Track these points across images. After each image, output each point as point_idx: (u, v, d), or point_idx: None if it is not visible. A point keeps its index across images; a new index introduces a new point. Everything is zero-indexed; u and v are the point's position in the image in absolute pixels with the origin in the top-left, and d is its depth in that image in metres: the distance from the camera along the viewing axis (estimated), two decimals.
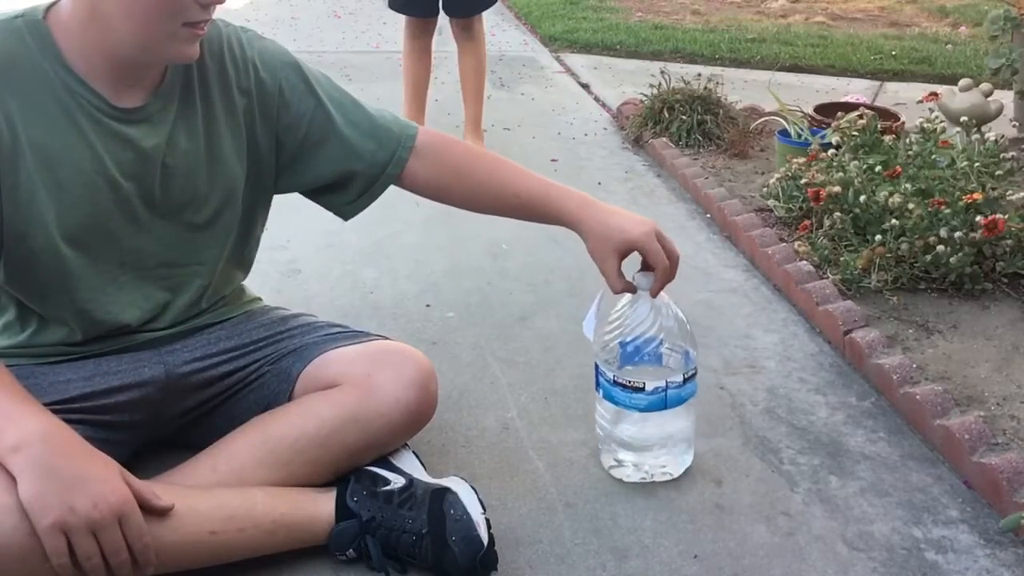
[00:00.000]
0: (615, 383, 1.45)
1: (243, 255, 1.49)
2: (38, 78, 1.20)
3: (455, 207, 1.51)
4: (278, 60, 1.40)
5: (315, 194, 1.48)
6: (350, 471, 1.36)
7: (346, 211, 1.49)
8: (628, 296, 1.44)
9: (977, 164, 2.23)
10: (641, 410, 1.45)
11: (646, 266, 1.41)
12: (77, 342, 1.34)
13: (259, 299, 1.58)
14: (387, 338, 1.50)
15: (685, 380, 1.45)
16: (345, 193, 1.46)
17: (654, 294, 1.42)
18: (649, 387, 1.43)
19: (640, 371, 1.44)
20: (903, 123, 2.75)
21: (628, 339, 1.44)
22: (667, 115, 3.19)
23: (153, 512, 1.15)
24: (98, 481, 1.10)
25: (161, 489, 1.19)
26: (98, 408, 1.31)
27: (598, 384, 1.50)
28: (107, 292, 1.31)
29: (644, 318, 1.43)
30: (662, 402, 1.44)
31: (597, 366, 1.48)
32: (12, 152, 1.19)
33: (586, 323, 1.48)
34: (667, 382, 1.43)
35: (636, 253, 1.41)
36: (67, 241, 1.25)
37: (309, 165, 1.42)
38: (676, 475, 1.52)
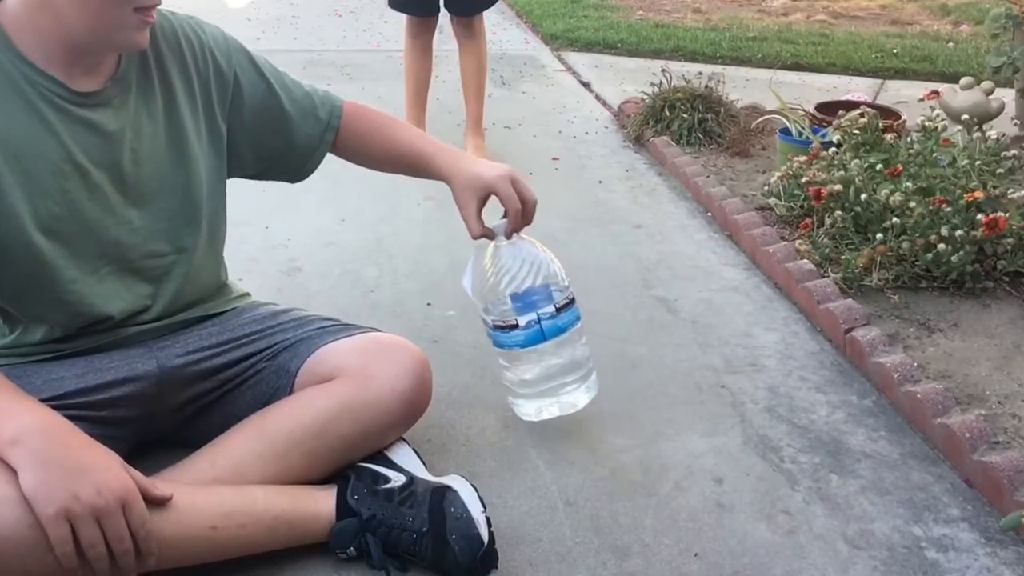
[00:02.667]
0: (494, 327, 1.54)
1: (214, 245, 1.49)
2: None
3: (363, 167, 1.61)
4: (230, 46, 1.45)
5: (264, 173, 1.55)
6: (348, 464, 1.37)
7: (295, 179, 1.58)
8: (492, 246, 1.53)
9: (978, 162, 2.22)
10: (522, 346, 1.52)
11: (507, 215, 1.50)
12: (60, 338, 1.34)
13: (247, 295, 1.59)
14: (379, 330, 1.51)
15: (558, 310, 1.53)
16: (289, 165, 1.55)
17: (508, 235, 1.51)
18: (523, 323, 1.51)
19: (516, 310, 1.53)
20: (904, 121, 2.74)
21: (502, 285, 1.52)
22: (668, 114, 3.19)
23: (153, 502, 1.15)
24: (100, 469, 1.10)
25: (161, 484, 1.19)
26: (93, 404, 1.31)
27: (488, 335, 1.56)
28: (88, 284, 1.31)
29: (506, 263, 1.52)
30: (539, 334, 1.52)
31: (482, 318, 1.56)
32: None
33: (464, 280, 1.57)
34: (538, 315, 1.51)
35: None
36: (43, 232, 1.25)
37: (262, 144, 1.49)
38: (581, 406, 1.60)
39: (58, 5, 1.18)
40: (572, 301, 1.56)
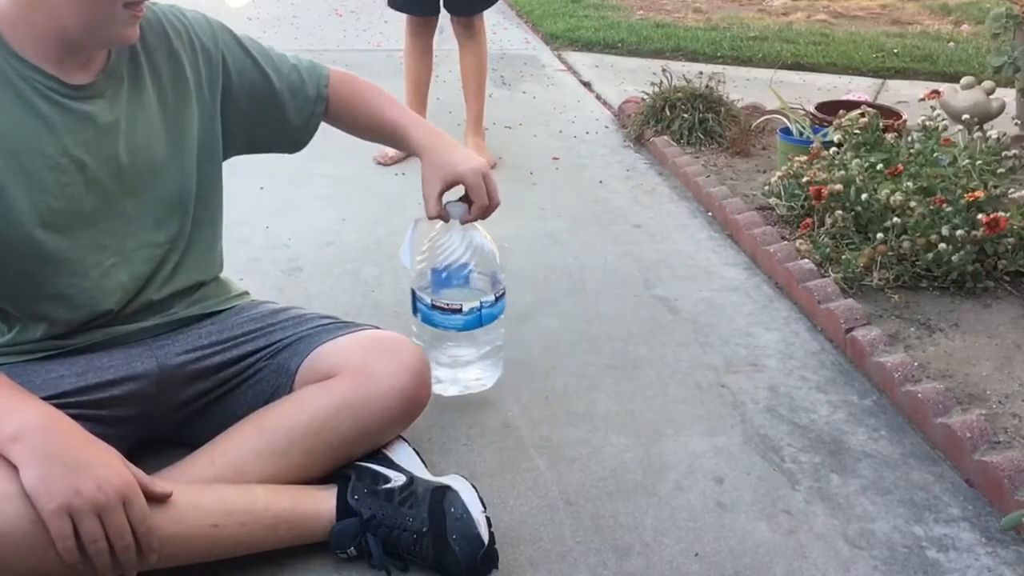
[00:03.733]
0: (433, 307, 1.58)
1: (209, 230, 1.49)
2: None
3: (344, 132, 1.64)
4: (215, 28, 1.46)
5: (259, 148, 1.57)
6: (348, 461, 1.37)
7: (292, 150, 1.60)
8: (441, 225, 1.56)
9: (979, 162, 2.22)
10: (459, 330, 1.59)
11: (465, 199, 1.53)
12: (61, 335, 1.34)
13: (246, 293, 1.59)
14: (378, 328, 1.51)
15: (496, 299, 1.60)
16: (284, 139, 1.57)
17: (463, 222, 1.54)
18: (466, 308, 1.57)
19: (453, 294, 1.59)
20: (905, 121, 2.74)
21: (439, 265, 1.57)
22: (668, 113, 3.19)
23: (153, 498, 1.15)
24: (101, 465, 1.11)
25: (161, 482, 1.19)
26: (93, 403, 1.31)
27: (415, 309, 1.62)
28: (88, 277, 1.31)
29: (453, 244, 1.57)
30: (477, 320, 1.59)
31: (414, 292, 1.61)
32: None
33: (402, 251, 1.61)
34: (481, 303, 1.57)
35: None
36: (44, 227, 1.25)
37: (254, 122, 1.50)
38: (490, 385, 1.70)
39: (50, 1, 1.18)
40: (504, 292, 1.63)
